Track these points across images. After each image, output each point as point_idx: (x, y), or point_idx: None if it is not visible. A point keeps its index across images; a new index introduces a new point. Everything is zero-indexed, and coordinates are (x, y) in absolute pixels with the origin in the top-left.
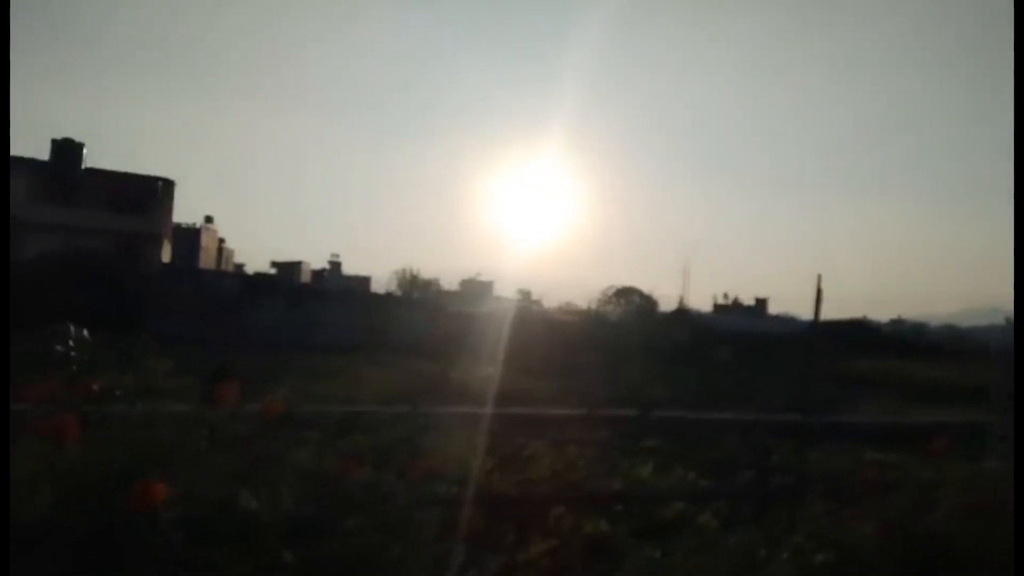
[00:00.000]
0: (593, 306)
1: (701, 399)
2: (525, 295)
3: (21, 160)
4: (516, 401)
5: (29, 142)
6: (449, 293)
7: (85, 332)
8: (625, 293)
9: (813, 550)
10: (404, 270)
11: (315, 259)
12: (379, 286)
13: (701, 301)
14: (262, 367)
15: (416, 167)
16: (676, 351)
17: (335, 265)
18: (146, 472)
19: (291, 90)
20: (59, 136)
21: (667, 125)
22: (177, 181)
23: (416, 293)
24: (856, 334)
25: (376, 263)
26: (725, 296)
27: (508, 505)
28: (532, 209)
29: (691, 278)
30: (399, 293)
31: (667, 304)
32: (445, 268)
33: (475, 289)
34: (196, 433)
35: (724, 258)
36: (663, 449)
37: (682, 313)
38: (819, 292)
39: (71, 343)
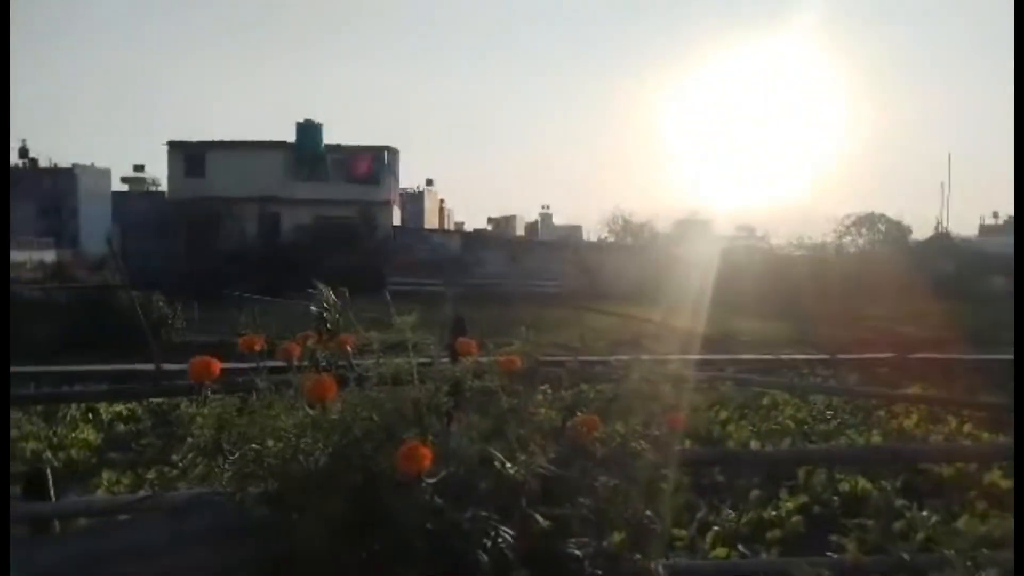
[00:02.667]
0: (830, 239)
1: (969, 337)
2: (748, 232)
3: (275, 144)
4: (745, 347)
5: (276, 127)
6: (664, 235)
7: (332, 293)
8: (868, 221)
9: None
10: (614, 215)
11: (527, 212)
12: (590, 233)
13: (965, 223)
14: (489, 319)
15: (617, 104)
16: (937, 283)
17: (546, 216)
18: (401, 429)
19: (490, 50)
20: (302, 118)
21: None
22: (400, 148)
23: (629, 238)
24: None
25: (587, 210)
26: (995, 215)
27: (750, 459)
28: (751, 136)
29: (952, 196)
30: (611, 239)
31: (922, 230)
32: (659, 209)
33: (691, 229)
34: (441, 389)
35: (992, 169)
36: (929, 396)
37: (941, 239)
38: None
39: (325, 304)
